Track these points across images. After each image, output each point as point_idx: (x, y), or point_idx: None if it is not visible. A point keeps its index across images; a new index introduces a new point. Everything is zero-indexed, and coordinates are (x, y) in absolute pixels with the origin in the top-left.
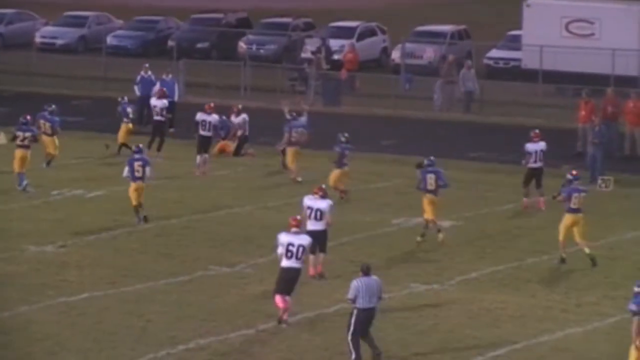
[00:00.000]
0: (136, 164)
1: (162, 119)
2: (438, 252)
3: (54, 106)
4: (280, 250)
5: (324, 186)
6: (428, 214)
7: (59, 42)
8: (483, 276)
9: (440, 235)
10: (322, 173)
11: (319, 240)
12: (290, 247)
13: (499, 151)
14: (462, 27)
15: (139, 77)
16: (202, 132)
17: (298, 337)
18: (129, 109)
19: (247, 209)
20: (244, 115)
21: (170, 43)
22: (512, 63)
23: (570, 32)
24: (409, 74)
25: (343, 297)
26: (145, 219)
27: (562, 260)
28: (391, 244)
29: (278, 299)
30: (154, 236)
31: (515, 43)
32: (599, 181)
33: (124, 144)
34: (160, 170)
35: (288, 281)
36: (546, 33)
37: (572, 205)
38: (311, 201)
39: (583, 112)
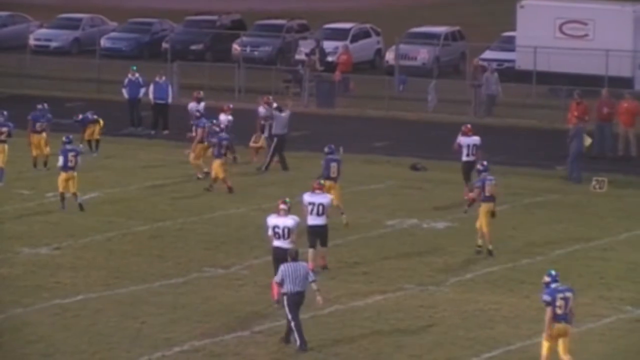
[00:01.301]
0: (70, 155)
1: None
2: (432, 253)
3: (45, 104)
4: (270, 232)
5: (321, 182)
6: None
7: (53, 44)
8: (477, 277)
9: (344, 218)
10: (316, 174)
11: (321, 234)
12: (277, 229)
13: (491, 152)
14: (456, 28)
15: (126, 80)
16: None
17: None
18: (89, 112)
19: (241, 211)
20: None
21: (165, 45)
22: (506, 64)
23: (564, 33)
24: (402, 75)
25: (338, 299)
26: (81, 207)
27: (480, 250)
28: (385, 245)
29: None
30: (148, 238)
31: (509, 44)
32: (593, 182)
33: (89, 141)
34: (155, 173)
35: (280, 260)
36: (540, 34)
37: (487, 194)
38: (312, 197)
39: (575, 113)
